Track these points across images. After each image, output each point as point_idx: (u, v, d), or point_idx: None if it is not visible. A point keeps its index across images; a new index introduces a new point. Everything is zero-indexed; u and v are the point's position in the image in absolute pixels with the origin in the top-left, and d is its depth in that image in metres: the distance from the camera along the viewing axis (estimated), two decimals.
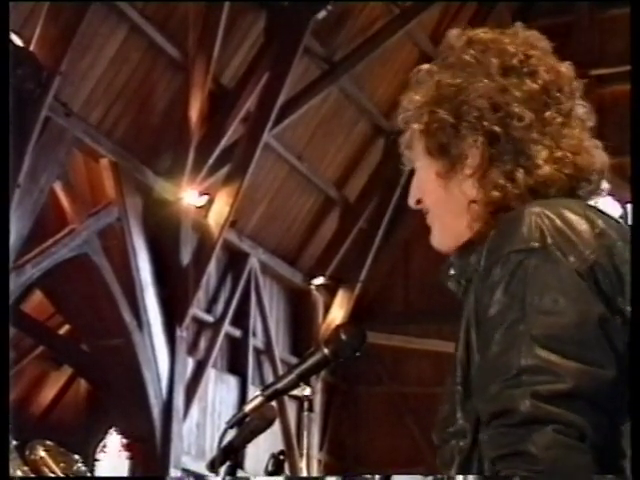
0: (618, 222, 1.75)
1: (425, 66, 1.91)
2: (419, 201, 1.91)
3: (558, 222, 1.67)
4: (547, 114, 1.81)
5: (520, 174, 1.77)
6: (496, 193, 1.78)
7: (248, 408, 2.14)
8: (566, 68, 1.88)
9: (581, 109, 1.86)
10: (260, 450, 5.94)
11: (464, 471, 1.71)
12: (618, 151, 1.95)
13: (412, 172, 1.95)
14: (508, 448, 1.56)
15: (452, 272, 1.86)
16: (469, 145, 1.81)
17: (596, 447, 1.54)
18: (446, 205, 1.85)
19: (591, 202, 1.82)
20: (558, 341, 1.58)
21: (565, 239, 1.65)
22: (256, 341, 13.22)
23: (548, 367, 1.57)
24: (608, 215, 1.76)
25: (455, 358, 1.75)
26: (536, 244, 1.64)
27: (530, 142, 1.78)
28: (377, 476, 2.07)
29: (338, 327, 2.16)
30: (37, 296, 11.85)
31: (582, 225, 1.68)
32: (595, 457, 1.54)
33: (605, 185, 1.87)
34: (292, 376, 2.14)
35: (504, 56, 1.84)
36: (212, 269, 12.16)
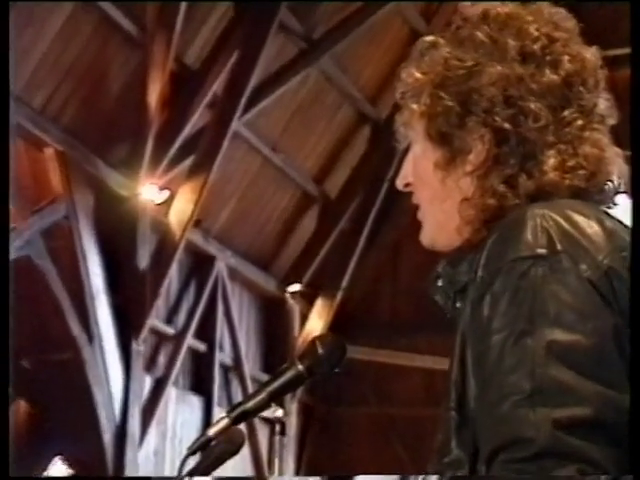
0: (625, 225, 1.75)
1: (431, 37, 1.89)
2: (408, 184, 1.91)
3: (565, 225, 1.66)
4: (566, 112, 1.79)
5: (522, 179, 1.77)
6: (492, 201, 1.78)
7: (213, 431, 2.14)
8: (592, 54, 1.86)
9: (603, 104, 1.84)
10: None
11: None
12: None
13: (404, 155, 1.95)
14: None
15: (440, 283, 1.87)
16: (474, 138, 1.80)
17: None
18: (441, 201, 1.85)
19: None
20: (572, 358, 1.57)
21: (575, 244, 1.65)
22: (223, 356, 13.23)
23: (563, 388, 1.55)
24: (616, 218, 1.76)
25: (449, 379, 1.74)
26: (544, 250, 1.63)
27: (543, 146, 1.77)
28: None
29: (314, 339, 2.17)
30: None
31: (592, 227, 1.67)
32: None
33: (619, 197, 1.86)
34: (263, 395, 2.14)
35: (524, 39, 1.81)
36: (173, 274, 12.15)
